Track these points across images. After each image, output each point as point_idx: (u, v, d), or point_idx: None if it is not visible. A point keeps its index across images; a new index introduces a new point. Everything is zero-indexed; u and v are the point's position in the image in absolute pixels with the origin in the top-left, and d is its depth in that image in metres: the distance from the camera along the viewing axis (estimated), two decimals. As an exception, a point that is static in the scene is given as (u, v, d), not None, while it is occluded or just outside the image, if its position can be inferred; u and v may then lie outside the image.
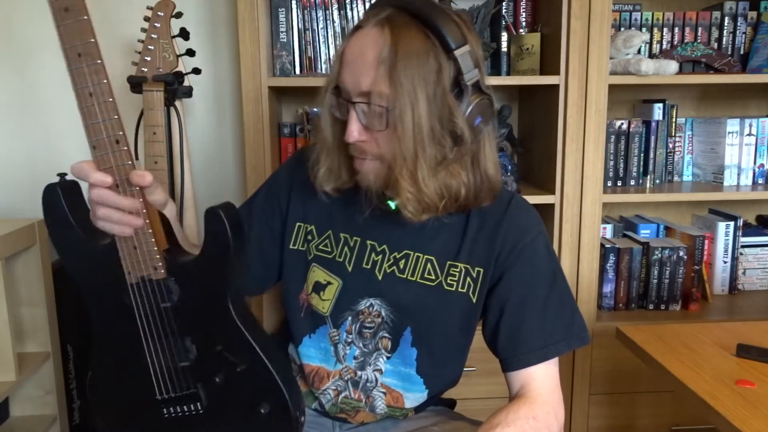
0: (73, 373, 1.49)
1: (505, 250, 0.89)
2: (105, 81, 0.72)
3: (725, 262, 1.87)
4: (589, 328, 1.66)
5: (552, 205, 1.65)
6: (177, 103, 1.44)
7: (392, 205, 0.83)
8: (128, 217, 0.75)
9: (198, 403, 0.84)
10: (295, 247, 0.97)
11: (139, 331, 0.82)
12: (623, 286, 1.76)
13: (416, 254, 0.91)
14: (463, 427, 0.98)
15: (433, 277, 0.90)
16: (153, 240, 0.78)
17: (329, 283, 0.93)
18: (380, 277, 0.91)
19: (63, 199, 0.79)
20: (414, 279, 0.90)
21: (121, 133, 0.73)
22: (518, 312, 0.88)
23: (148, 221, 0.77)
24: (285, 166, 1.03)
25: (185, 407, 0.84)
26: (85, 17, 0.73)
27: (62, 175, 0.81)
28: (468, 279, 0.90)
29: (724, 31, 1.80)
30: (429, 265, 0.90)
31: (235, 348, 0.83)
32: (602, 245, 1.72)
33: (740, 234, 1.86)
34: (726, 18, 1.80)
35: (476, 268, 0.90)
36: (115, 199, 0.73)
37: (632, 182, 1.80)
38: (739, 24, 1.80)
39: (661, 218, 1.94)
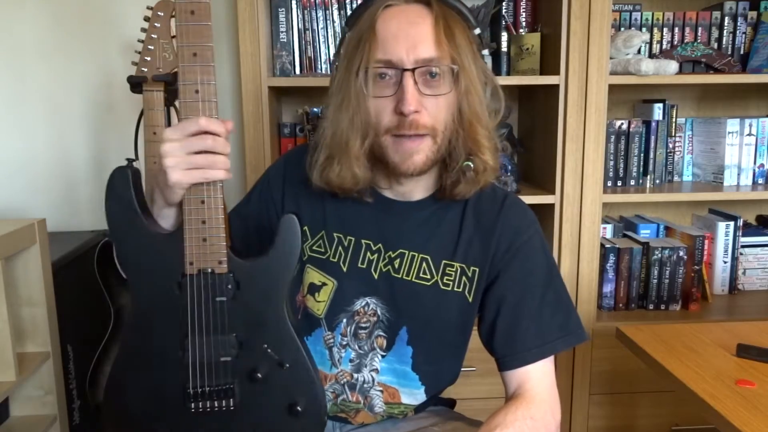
0: (73, 373, 1.49)
1: (501, 249, 0.89)
2: (213, 82, 0.77)
3: (725, 262, 1.87)
4: (589, 328, 1.68)
5: (552, 205, 1.65)
6: (177, 103, 1.44)
7: (470, 163, 0.84)
8: (223, 159, 0.77)
9: (231, 399, 0.85)
10: None
11: (184, 323, 0.83)
12: (623, 286, 1.76)
13: (411, 253, 0.91)
14: (462, 428, 0.98)
15: (429, 277, 0.90)
16: (224, 235, 0.80)
17: (324, 284, 0.93)
18: (376, 276, 0.91)
19: (132, 183, 0.81)
20: (409, 278, 0.91)
21: None
22: (515, 311, 0.89)
23: (224, 216, 0.80)
24: (275, 168, 1.01)
25: (216, 402, 0.85)
26: (208, 23, 0.77)
27: (130, 161, 0.82)
28: (464, 278, 0.90)
29: (724, 31, 1.80)
30: (424, 264, 0.91)
31: (282, 347, 0.85)
32: (602, 245, 1.72)
33: (740, 234, 1.86)
34: (726, 18, 1.80)
35: (472, 268, 0.90)
36: (222, 143, 0.76)
37: (632, 182, 1.80)
38: (739, 24, 1.80)
39: (661, 218, 1.94)
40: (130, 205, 0.81)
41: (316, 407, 0.87)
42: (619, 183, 1.80)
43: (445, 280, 0.90)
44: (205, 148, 0.75)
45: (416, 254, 0.91)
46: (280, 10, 1.65)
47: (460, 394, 1.09)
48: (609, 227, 1.86)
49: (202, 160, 0.76)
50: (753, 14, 1.80)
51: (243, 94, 1.55)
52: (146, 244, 0.82)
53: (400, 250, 0.91)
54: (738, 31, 1.80)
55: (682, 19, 1.81)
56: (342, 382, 0.94)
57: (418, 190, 0.92)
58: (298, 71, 1.69)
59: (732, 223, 1.85)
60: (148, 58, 1.36)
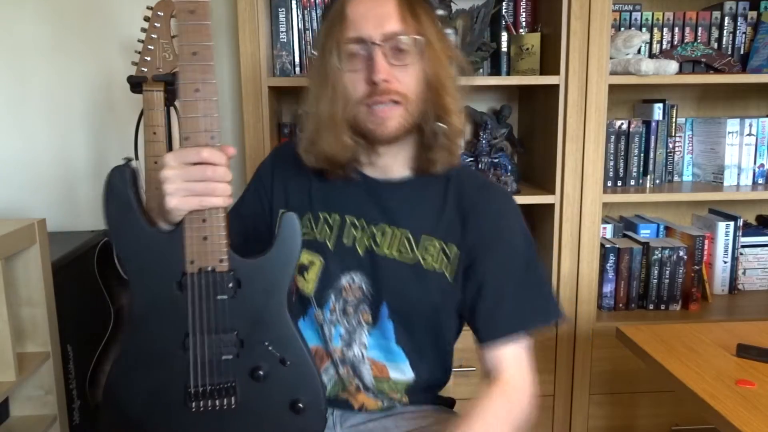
0: (73, 373, 1.49)
1: (483, 231, 0.93)
2: (213, 81, 0.78)
3: (725, 262, 1.87)
4: (589, 328, 1.68)
5: (552, 205, 1.65)
6: (177, 103, 1.44)
7: (441, 126, 0.90)
8: (223, 187, 0.79)
9: (232, 398, 0.85)
10: None
11: (184, 322, 0.83)
12: (623, 286, 1.76)
13: (392, 228, 0.94)
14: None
15: (410, 254, 0.93)
16: (225, 233, 0.80)
17: (312, 263, 0.96)
18: (361, 253, 0.95)
19: (129, 182, 0.81)
20: (391, 253, 0.94)
21: (217, 131, 0.79)
22: (497, 293, 0.92)
23: (225, 214, 0.81)
24: (264, 163, 1.06)
25: (218, 401, 0.85)
26: (207, 22, 0.79)
27: (128, 160, 0.82)
28: (444, 257, 0.93)
29: (724, 31, 1.80)
30: (405, 240, 0.94)
31: (284, 344, 0.85)
32: (602, 245, 1.72)
33: (740, 234, 1.86)
34: (726, 18, 1.80)
35: (452, 247, 0.93)
36: (222, 172, 0.78)
37: (632, 182, 1.80)
38: (739, 24, 1.80)
39: (661, 218, 1.94)
40: (129, 204, 0.81)
41: (318, 402, 0.87)
42: (619, 183, 1.80)
43: (426, 258, 0.93)
44: (204, 178, 0.77)
45: (396, 229, 0.94)
46: (280, 10, 1.65)
47: (460, 394, 1.09)
48: (609, 227, 1.86)
49: (201, 188, 0.77)
50: (753, 14, 1.80)
51: (243, 94, 1.55)
52: (146, 243, 0.82)
53: (382, 225, 0.94)
54: (738, 31, 1.80)
55: (682, 19, 1.81)
56: (336, 358, 0.96)
57: (396, 165, 0.95)
58: (298, 71, 1.69)
59: (732, 223, 1.85)
60: (148, 58, 1.36)
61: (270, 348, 0.85)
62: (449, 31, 0.95)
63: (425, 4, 0.91)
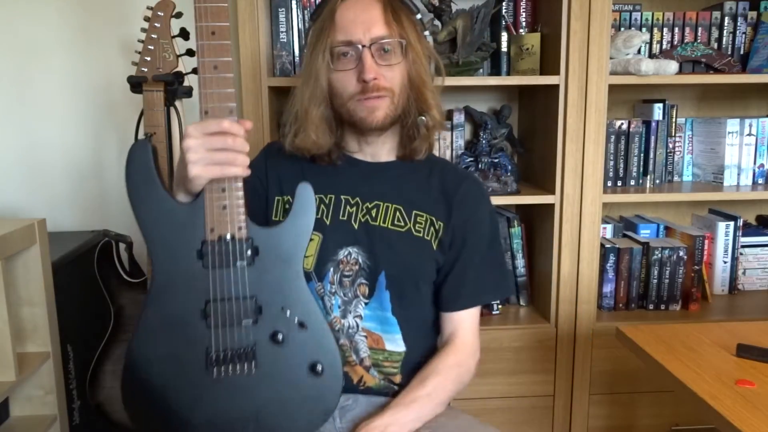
0: (73, 373, 1.49)
1: (464, 217, 1.05)
2: (229, 59, 0.84)
3: (725, 262, 1.87)
4: (589, 328, 1.68)
5: (552, 205, 1.65)
6: (177, 103, 1.44)
7: (423, 118, 1.03)
8: (243, 157, 0.84)
9: (252, 362, 0.87)
10: (277, 219, 1.06)
11: (204, 289, 0.86)
12: (623, 286, 1.76)
13: (386, 204, 1.04)
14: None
15: (403, 224, 1.04)
16: (243, 201, 0.85)
17: (311, 239, 0.98)
18: (356, 227, 1.03)
19: (153, 157, 0.85)
20: (386, 225, 1.03)
21: (234, 104, 0.84)
22: (464, 267, 1.05)
23: (242, 184, 0.85)
24: (257, 157, 1.12)
25: (238, 366, 0.87)
26: (225, 4, 0.85)
27: (149, 135, 0.88)
28: (431, 228, 1.04)
29: (724, 31, 1.80)
30: (398, 213, 1.04)
31: (301, 308, 0.90)
32: (602, 245, 1.72)
33: (740, 234, 1.86)
34: (726, 18, 1.80)
35: (439, 222, 1.05)
36: (241, 143, 0.84)
37: (632, 182, 1.80)
38: (739, 24, 1.80)
39: (661, 218, 1.94)
40: (151, 176, 0.85)
41: (336, 364, 0.92)
42: (619, 183, 1.80)
43: (416, 228, 1.04)
44: (225, 147, 0.82)
45: (390, 204, 1.04)
46: (280, 10, 1.64)
47: (460, 393, 1.09)
48: (609, 227, 1.86)
49: (222, 157, 0.82)
50: (753, 14, 1.80)
51: (243, 94, 1.55)
52: (167, 213, 0.86)
53: (376, 202, 1.04)
54: (738, 31, 1.80)
55: (682, 19, 1.81)
56: (336, 328, 1.02)
57: (384, 151, 1.07)
58: (298, 71, 1.69)
59: (732, 223, 1.85)
60: (148, 58, 1.36)
61: (288, 313, 0.88)
62: (426, 33, 1.07)
63: (406, 9, 1.02)
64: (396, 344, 1.04)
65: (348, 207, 1.04)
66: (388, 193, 1.04)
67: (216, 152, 0.82)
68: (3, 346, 1.20)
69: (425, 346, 1.07)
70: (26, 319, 1.31)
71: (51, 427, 1.34)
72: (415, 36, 1.00)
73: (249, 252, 0.86)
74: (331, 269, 1.02)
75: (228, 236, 0.85)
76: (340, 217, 1.03)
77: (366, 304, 1.02)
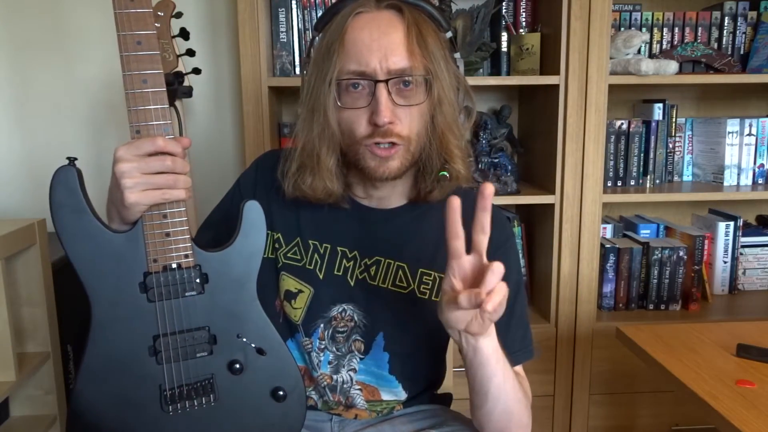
0: (73, 373, 1.49)
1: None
2: (161, 71, 0.74)
3: (725, 262, 1.87)
4: (589, 328, 1.68)
5: (552, 205, 1.65)
6: (177, 103, 1.44)
7: (446, 173, 0.85)
8: (184, 179, 0.75)
9: (211, 395, 0.82)
10: (264, 255, 0.90)
11: (151, 324, 0.79)
12: (623, 286, 1.76)
13: (387, 261, 0.90)
14: (463, 429, 0.97)
15: (405, 285, 0.90)
16: (188, 227, 0.77)
17: (300, 291, 0.92)
18: (352, 283, 0.91)
19: (79, 182, 0.77)
20: (386, 286, 0.90)
21: (169, 121, 0.75)
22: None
23: (186, 208, 0.77)
24: (246, 175, 1.00)
25: (196, 400, 0.82)
26: (149, 10, 0.74)
27: (72, 159, 0.79)
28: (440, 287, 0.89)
29: (724, 31, 1.80)
30: (400, 272, 0.90)
31: (259, 334, 0.83)
32: (602, 245, 1.72)
33: (740, 234, 1.86)
34: (726, 18, 1.80)
35: None
36: (181, 164, 0.74)
37: (632, 182, 1.80)
38: (739, 24, 1.80)
39: (661, 218, 1.94)
40: (80, 206, 0.77)
41: (299, 387, 0.86)
42: (619, 183, 1.80)
43: (422, 289, 0.90)
44: (163, 169, 0.73)
45: (392, 262, 0.90)
46: (280, 10, 1.64)
47: (461, 394, 1.09)
48: (609, 227, 1.86)
49: (161, 180, 0.73)
50: (753, 14, 1.80)
51: (243, 94, 1.55)
52: (103, 246, 0.77)
53: (376, 258, 0.91)
54: (738, 31, 1.80)
55: (682, 19, 1.81)
56: (323, 384, 0.93)
57: (394, 196, 0.91)
58: (298, 71, 1.69)
59: (732, 223, 1.85)
60: (148, 58, 1.36)
61: (244, 339, 0.82)
62: (457, 55, 0.89)
63: (434, 24, 0.84)
64: (395, 395, 0.95)
65: (345, 261, 0.91)
66: (392, 248, 0.90)
67: (154, 176, 0.73)
68: (3, 346, 1.20)
69: (433, 377, 1.00)
70: (26, 319, 1.31)
71: (51, 427, 1.34)
72: (443, 65, 0.82)
73: (198, 280, 0.79)
74: (322, 325, 0.91)
75: (174, 265, 0.78)
76: (335, 272, 0.91)
77: (361, 359, 0.92)
